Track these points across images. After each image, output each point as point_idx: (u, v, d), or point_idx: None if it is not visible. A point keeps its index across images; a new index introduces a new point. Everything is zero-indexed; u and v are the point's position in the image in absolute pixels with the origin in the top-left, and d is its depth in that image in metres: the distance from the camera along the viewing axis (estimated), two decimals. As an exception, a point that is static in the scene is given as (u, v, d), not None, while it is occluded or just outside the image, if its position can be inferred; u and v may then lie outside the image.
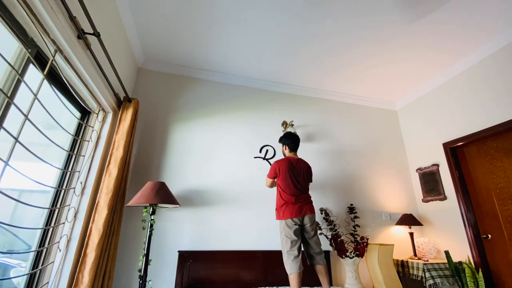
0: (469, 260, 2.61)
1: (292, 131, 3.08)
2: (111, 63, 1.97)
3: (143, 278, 1.95)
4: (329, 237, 2.82)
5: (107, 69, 2.09)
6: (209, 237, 2.61)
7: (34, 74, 1.45)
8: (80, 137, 2.12)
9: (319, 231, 2.84)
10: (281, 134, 3.24)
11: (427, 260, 2.77)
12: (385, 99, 3.90)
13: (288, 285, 2.55)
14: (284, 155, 2.61)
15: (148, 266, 2.04)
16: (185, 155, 2.85)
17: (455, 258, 2.83)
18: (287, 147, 2.56)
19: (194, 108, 3.09)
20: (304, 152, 3.27)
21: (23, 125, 1.31)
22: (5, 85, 1.27)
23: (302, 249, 2.27)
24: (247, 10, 2.34)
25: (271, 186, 2.55)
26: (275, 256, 2.66)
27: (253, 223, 2.78)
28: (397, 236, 3.19)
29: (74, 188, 2.02)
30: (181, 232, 2.56)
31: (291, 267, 2.09)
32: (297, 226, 2.21)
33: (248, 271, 2.55)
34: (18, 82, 1.32)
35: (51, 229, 1.83)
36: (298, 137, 2.61)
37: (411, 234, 3.06)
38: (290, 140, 2.55)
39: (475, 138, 2.80)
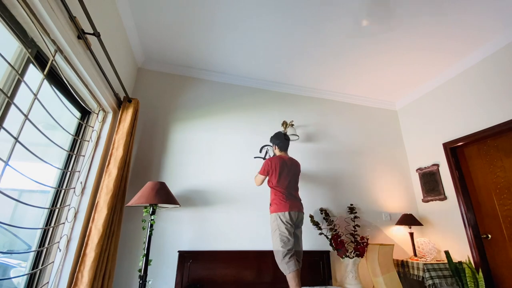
0: (469, 260, 2.61)
1: (292, 131, 3.08)
2: (111, 63, 1.97)
3: (143, 278, 1.95)
4: (329, 237, 2.82)
5: (107, 69, 2.09)
6: (209, 237, 2.61)
7: (34, 74, 1.45)
8: (80, 137, 2.12)
9: (319, 231, 2.85)
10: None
11: (428, 260, 2.77)
12: (385, 99, 3.90)
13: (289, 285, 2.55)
14: (275, 154, 2.61)
15: (148, 266, 2.04)
16: (185, 155, 2.85)
17: (455, 258, 2.83)
18: (277, 147, 2.56)
19: (194, 108, 3.09)
20: (304, 152, 3.27)
21: (23, 125, 1.31)
22: (5, 85, 1.27)
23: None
24: (247, 10, 2.34)
25: (261, 183, 2.51)
26: (275, 256, 2.66)
27: (253, 223, 2.78)
28: (397, 236, 3.19)
29: (74, 188, 2.02)
30: (181, 232, 2.56)
31: (289, 266, 2.04)
32: (291, 224, 2.19)
33: (248, 271, 2.55)
34: (18, 82, 1.32)
35: (51, 229, 1.83)
36: (288, 137, 2.60)
37: (411, 234, 3.06)
38: (280, 140, 2.54)
39: (475, 138, 2.80)
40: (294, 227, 2.24)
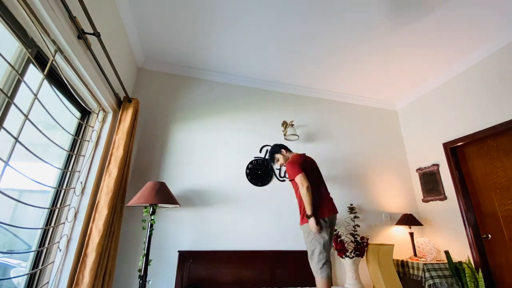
0: (469, 260, 2.61)
1: (292, 131, 3.08)
2: (111, 63, 1.97)
3: (143, 278, 1.95)
4: (329, 237, 2.82)
5: (107, 69, 2.08)
6: (209, 237, 2.61)
7: (34, 74, 1.45)
8: (80, 137, 2.12)
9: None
10: (281, 134, 3.26)
11: (428, 260, 2.77)
12: (385, 99, 3.90)
13: (289, 285, 2.55)
14: (287, 158, 2.47)
15: (148, 266, 2.04)
16: (185, 155, 2.85)
17: (455, 258, 2.83)
18: (284, 150, 2.50)
19: (194, 108, 3.09)
20: (304, 151, 3.25)
21: (23, 125, 1.31)
22: (5, 85, 1.27)
23: None
24: (247, 10, 2.34)
25: (308, 183, 2.02)
26: (276, 256, 2.67)
27: (253, 223, 2.78)
28: (397, 236, 3.19)
29: (74, 188, 2.02)
30: (181, 232, 2.56)
31: (322, 271, 1.92)
32: (327, 225, 2.03)
33: (249, 271, 2.55)
34: (18, 82, 1.32)
35: (51, 229, 1.83)
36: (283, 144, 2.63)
37: (411, 234, 3.06)
38: (281, 146, 2.54)
39: (475, 138, 2.80)
40: (330, 228, 2.10)
